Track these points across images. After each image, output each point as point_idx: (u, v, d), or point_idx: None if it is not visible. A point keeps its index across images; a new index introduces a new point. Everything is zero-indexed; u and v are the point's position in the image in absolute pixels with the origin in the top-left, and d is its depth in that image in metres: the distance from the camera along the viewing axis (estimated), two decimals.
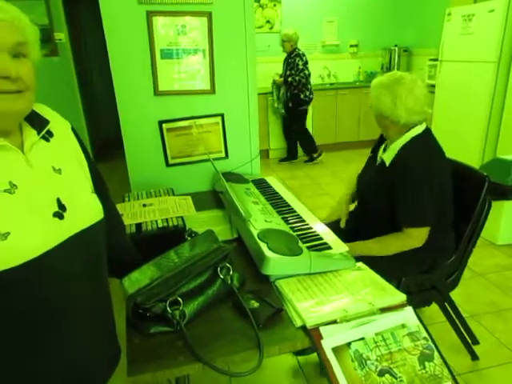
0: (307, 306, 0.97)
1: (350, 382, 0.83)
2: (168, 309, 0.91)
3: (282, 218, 1.41)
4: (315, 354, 0.94)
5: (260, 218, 1.33)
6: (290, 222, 1.41)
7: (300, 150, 5.12)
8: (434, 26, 4.75)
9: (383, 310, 0.96)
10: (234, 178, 1.77)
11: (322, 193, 3.93)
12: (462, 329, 1.82)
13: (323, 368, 0.86)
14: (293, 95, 4.60)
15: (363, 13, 5.49)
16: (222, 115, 1.86)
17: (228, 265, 1.04)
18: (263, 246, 1.12)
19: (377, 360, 0.86)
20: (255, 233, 1.21)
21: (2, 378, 0.72)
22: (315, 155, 4.98)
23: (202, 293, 0.99)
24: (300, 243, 1.20)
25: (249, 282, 1.10)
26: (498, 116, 3.50)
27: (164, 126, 1.80)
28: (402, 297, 1.00)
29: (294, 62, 4.50)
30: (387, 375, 0.84)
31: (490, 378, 1.73)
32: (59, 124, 0.86)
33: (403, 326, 0.93)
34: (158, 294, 0.91)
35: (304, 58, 4.54)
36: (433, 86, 4.22)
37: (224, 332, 0.94)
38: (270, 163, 5.15)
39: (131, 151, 1.81)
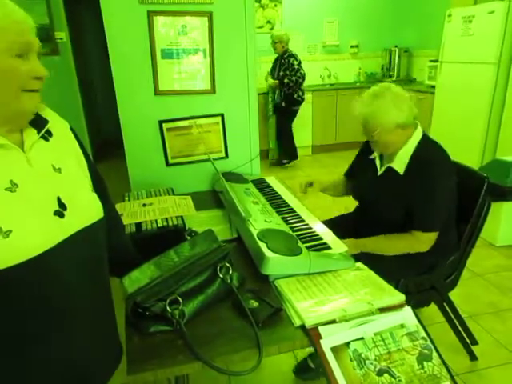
0: (306, 305, 0.98)
1: (349, 382, 0.83)
2: (168, 308, 0.91)
3: (282, 218, 1.42)
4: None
5: (260, 218, 1.33)
6: (290, 221, 1.41)
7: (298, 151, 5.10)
8: (434, 27, 4.75)
9: (382, 310, 0.97)
10: (233, 177, 1.77)
11: (322, 193, 3.93)
12: (460, 329, 1.82)
13: (322, 367, 0.86)
14: (287, 95, 4.60)
15: (364, 13, 5.49)
16: (222, 115, 1.87)
17: (228, 264, 1.05)
18: (263, 246, 1.12)
19: (375, 360, 0.86)
20: (255, 233, 1.21)
21: (2, 377, 0.72)
22: (286, 161, 4.94)
23: (201, 292, 0.99)
24: (299, 243, 1.20)
25: (248, 282, 1.11)
26: (497, 117, 3.50)
27: (164, 125, 1.80)
28: (400, 297, 1.00)
29: (289, 62, 4.49)
30: (386, 375, 0.85)
31: (488, 379, 1.73)
32: (58, 124, 0.87)
33: (402, 325, 0.93)
34: (158, 293, 0.91)
35: (298, 58, 4.54)
36: (433, 87, 4.23)
37: (223, 331, 0.94)
38: (270, 163, 5.15)
39: (131, 151, 1.81)
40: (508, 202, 2.62)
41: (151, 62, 1.70)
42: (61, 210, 0.75)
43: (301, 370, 1.76)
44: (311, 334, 0.90)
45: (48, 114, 0.85)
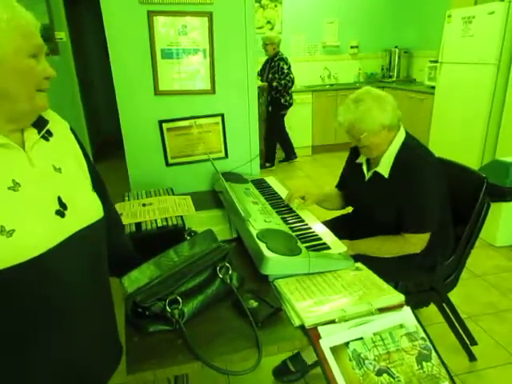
0: (306, 305, 0.98)
1: (348, 382, 0.83)
2: (167, 308, 0.91)
3: (282, 218, 1.42)
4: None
5: (259, 218, 1.34)
6: (290, 222, 1.42)
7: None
8: (434, 27, 4.75)
9: (381, 310, 0.97)
10: (233, 177, 1.77)
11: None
12: (459, 329, 1.82)
13: (321, 367, 0.86)
14: (274, 99, 4.56)
15: (364, 14, 5.49)
16: (222, 115, 1.87)
17: (227, 264, 1.05)
18: (262, 246, 1.12)
19: (375, 360, 0.86)
20: (254, 233, 1.21)
21: (2, 377, 0.72)
22: (269, 164, 4.93)
23: (201, 292, 0.99)
24: (299, 243, 1.20)
25: (248, 282, 1.11)
26: (497, 118, 3.50)
27: (164, 125, 1.80)
28: (400, 297, 1.00)
29: (278, 65, 4.46)
30: (385, 375, 0.85)
31: (487, 379, 1.73)
32: (58, 124, 0.87)
33: (401, 326, 0.93)
34: (158, 293, 0.91)
35: (288, 62, 4.50)
36: (433, 87, 4.23)
37: (223, 331, 0.94)
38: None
39: (131, 151, 1.81)
40: (507, 203, 2.62)
41: (151, 62, 1.70)
42: (62, 210, 0.75)
43: (280, 372, 1.75)
44: (310, 334, 0.90)
45: (48, 114, 0.85)
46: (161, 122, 1.80)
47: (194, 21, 1.70)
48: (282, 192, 1.73)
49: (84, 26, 5.49)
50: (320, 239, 1.28)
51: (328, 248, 1.23)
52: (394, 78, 5.48)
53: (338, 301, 0.99)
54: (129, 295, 0.91)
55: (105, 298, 0.90)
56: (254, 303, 0.99)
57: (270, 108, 4.63)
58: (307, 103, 5.13)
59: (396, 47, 5.48)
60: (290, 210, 1.53)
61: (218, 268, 1.03)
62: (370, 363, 0.86)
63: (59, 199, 0.76)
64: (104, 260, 0.88)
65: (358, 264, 1.18)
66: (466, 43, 3.67)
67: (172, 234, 1.27)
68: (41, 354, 0.74)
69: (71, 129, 0.91)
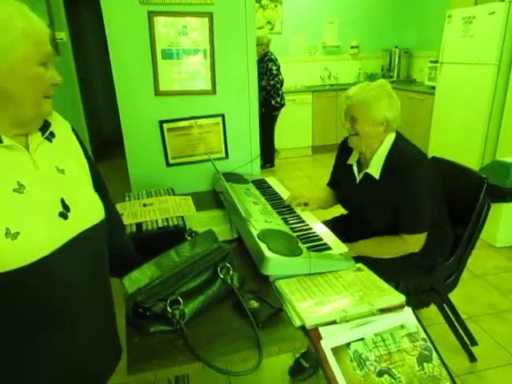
0: (307, 306, 0.98)
1: (349, 383, 0.83)
2: (168, 308, 0.91)
3: (282, 219, 1.42)
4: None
5: (260, 219, 1.34)
6: (290, 222, 1.42)
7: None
8: (434, 27, 4.75)
9: (382, 311, 0.97)
10: (234, 178, 1.77)
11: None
12: (460, 330, 1.82)
13: (322, 368, 0.86)
14: (264, 100, 4.54)
15: (364, 14, 5.49)
16: (223, 115, 1.87)
17: (228, 265, 1.05)
18: (263, 247, 1.12)
19: (376, 360, 0.86)
20: (255, 233, 1.21)
21: (2, 377, 0.72)
22: (268, 164, 4.91)
23: (201, 292, 0.99)
24: (300, 244, 1.20)
25: (248, 282, 1.11)
26: (497, 118, 3.50)
27: (165, 125, 1.80)
28: (401, 298, 1.00)
29: (267, 66, 4.44)
30: (386, 376, 0.85)
31: (487, 380, 1.73)
32: (60, 125, 0.87)
33: (402, 326, 0.93)
34: (158, 293, 0.91)
35: (277, 63, 4.48)
36: (433, 87, 4.23)
37: (224, 331, 0.94)
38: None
39: (132, 151, 1.81)
40: (508, 203, 2.62)
41: (152, 63, 1.70)
42: (65, 212, 0.75)
43: (295, 371, 1.76)
44: (311, 335, 0.90)
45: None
46: (161, 123, 1.79)
47: (194, 21, 1.70)
48: (283, 192, 1.73)
49: (84, 26, 5.49)
50: (321, 240, 1.28)
51: (329, 248, 1.23)
52: (395, 78, 5.48)
53: (338, 301, 0.99)
54: (130, 295, 0.91)
55: (105, 299, 0.90)
56: (254, 304, 0.99)
57: (263, 109, 4.63)
58: (307, 103, 5.13)
59: (396, 47, 5.48)
60: (291, 211, 1.53)
61: (218, 268, 1.03)
62: (371, 364, 0.86)
63: (62, 201, 0.76)
64: (105, 261, 0.88)
65: (359, 264, 1.18)
66: (466, 43, 3.67)
67: (173, 235, 1.27)
68: (40, 354, 0.74)
69: (73, 129, 0.91)
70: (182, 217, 1.37)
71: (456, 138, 3.83)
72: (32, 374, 0.75)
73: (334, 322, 0.93)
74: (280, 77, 4.49)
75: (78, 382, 0.82)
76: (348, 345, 0.88)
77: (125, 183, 1.87)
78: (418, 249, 1.47)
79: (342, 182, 1.75)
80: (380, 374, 0.85)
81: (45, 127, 0.80)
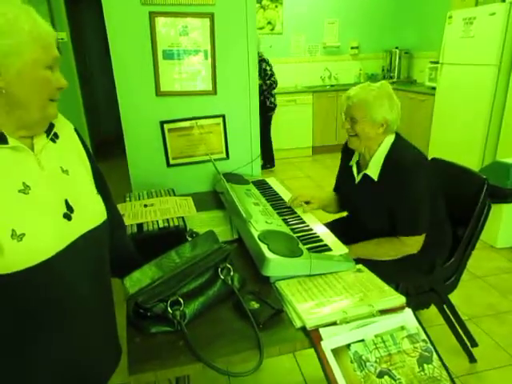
0: (307, 307, 0.98)
1: None
2: (169, 309, 0.91)
3: (283, 220, 1.42)
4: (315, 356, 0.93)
5: (260, 219, 1.34)
6: (291, 223, 1.42)
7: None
8: (435, 28, 4.75)
9: (383, 312, 0.97)
10: (234, 178, 1.77)
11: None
12: (460, 331, 1.82)
13: (322, 369, 0.86)
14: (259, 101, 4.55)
15: (364, 14, 5.49)
16: (224, 116, 1.87)
17: (229, 265, 1.05)
18: (264, 248, 1.12)
19: (376, 362, 0.87)
20: (256, 234, 1.21)
21: (2, 377, 0.72)
22: (269, 165, 4.90)
23: (202, 293, 0.99)
24: (300, 245, 1.20)
25: (249, 283, 1.11)
26: (498, 119, 3.50)
27: (165, 126, 1.80)
28: (401, 299, 1.01)
29: (261, 67, 4.43)
30: (386, 377, 0.85)
31: (487, 381, 1.73)
32: (63, 125, 0.87)
33: (402, 328, 0.93)
34: (159, 294, 0.91)
35: (270, 64, 4.48)
36: (433, 88, 4.23)
37: (224, 332, 0.94)
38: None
39: (132, 151, 1.82)
40: (508, 204, 2.62)
41: (153, 63, 1.70)
42: (69, 213, 0.76)
43: None
44: (312, 336, 0.90)
45: None
46: (162, 123, 1.80)
47: (195, 22, 1.70)
48: (283, 193, 1.73)
49: (85, 25, 5.49)
50: (321, 241, 1.29)
51: (329, 250, 1.23)
52: (395, 79, 5.48)
53: (339, 302, 0.99)
54: (131, 296, 0.91)
55: (106, 299, 0.90)
56: (255, 304, 0.99)
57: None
58: (308, 104, 5.13)
59: (397, 48, 5.48)
60: (291, 212, 1.54)
61: (219, 269, 1.03)
62: (372, 365, 0.86)
63: (66, 202, 0.76)
64: (107, 261, 0.89)
65: (359, 266, 1.18)
66: (466, 44, 3.68)
67: (173, 235, 1.27)
68: (41, 355, 0.74)
69: (75, 130, 0.91)
70: (182, 217, 1.37)
71: (456, 139, 3.84)
72: (33, 375, 0.75)
73: (334, 323, 0.93)
74: (275, 76, 4.50)
75: (79, 382, 0.82)
76: (348, 346, 0.88)
77: (125, 183, 1.87)
78: (417, 250, 1.47)
79: (342, 184, 1.76)
80: (380, 375, 0.85)
81: (49, 128, 0.81)
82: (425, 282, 1.68)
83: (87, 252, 0.79)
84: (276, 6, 5.23)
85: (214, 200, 1.77)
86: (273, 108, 4.68)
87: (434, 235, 1.49)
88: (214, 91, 1.82)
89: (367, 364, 0.86)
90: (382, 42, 5.67)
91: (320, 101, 5.16)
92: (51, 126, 0.81)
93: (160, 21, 1.65)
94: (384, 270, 1.17)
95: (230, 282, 1.03)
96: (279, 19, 5.28)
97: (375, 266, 1.18)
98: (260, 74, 4.44)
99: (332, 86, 5.55)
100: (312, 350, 0.90)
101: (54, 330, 0.75)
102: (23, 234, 0.67)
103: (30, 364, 0.74)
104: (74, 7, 4.64)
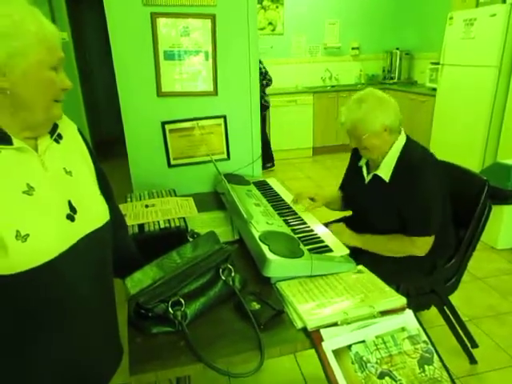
0: (308, 308, 0.98)
1: None
2: (170, 309, 0.92)
3: (284, 220, 1.42)
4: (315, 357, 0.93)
5: (261, 220, 1.34)
6: (292, 224, 1.42)
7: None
8: (435, 29, 4.76)
9: (383, 313, 0.97)
10: (235, 179, 1.77)
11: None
12: (460, 332, 1.82)
13: (323, 370, 0.86)
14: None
15: (365, 15, 5.50)
16: (225, 117, 1.87)
17: (230, 266, 1.05)
18: (265, 248, 1.13)
19: (377, 363, 0.87)
20: (257, 235, 1.21)
21: (2, 377, 0.73)
22: (269, 164, 4.91)
23: (203, 294, 1.00)
24: (301, 245, 1.20)
25: (250, 284, 1.11)
26: (498, 120, 3.50)
27: (167, 126, 1.81)
28: (402, 300, 1.01)
29: None
30: (387, 378, 0.85)
31: (488, 382, 1.73)
32: (67, 126, 0.87)
33: (403, 329, 0.93)
34: (160, 294, 0.91)
35: (262, 63, 4.46)
36: (434, 89, 4.23)
37: (225, 333, 0.94)
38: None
39: (133, 152, 1.82)
40: (509, 206, 2.62)
41: (154, 64, 1.71)
42: (72, 214, 0.76)
43: None
44: (313, 337, 0.91)
45: None
46: (163, 124, 1.80)
47: (197, 23, 1.70)
48: (284, 194, 1.73)
49: (86, 26, 5.50)
50: (322, 241, 1.29)
51: (330, 250, 1.23)
52: (396, 80, 5.49)
53: (340, 303, 1.00)
54: (132, 296, 0.92)
55: (108, 299, 0.90)
56: (256, 305, 0.99)
57: None
58: (308, 104, 5.13)
59: (397, 49, 5.48)
60: (292, 212, 1.54)
61: (220, 270, 1.03)
62: (372, 366, 0.86)
63: (69, 203, 0.76)
64: (109, 262, 0.89)
65: (360, 267, 1.18)
66: (467, 45, 3.68)
67: (174, 236, 1.27)
68: (41, 355, 0.74)
69: (79, 130, 0.91)
70: (183, 218, 1.37)
71: (457, 140, 3.84)
72: (33, 374, 0.75)
73: (335, 324, 0.93)
74: (269, 75, 4.49)
75: (79, 382, 0.83)
76: (349, 347, 0.88)
77: (126, 183, 1.88)
78: (424, 253, 1.47)
79: (349, 184, 1.76)
80: (381, 376, 0.85)
81: (53, 129, 0.81)
82: (425, 284, 1.68)
83: (90, 253, 0.79)
84: (277, 7, 5.23)
85: (215, 201, 1.77)
86: (267, 107, 4.69)
87: (439, 237, 1.50)
88: (215, 92, 1.82)
89: (368, 365, 0.86)
90: (382, 42, 5.67)
91: (321, 101, 5.16)
92: (55, 126, 0.82)
93: (161, 21, 1.66)
94: (385, 271, 1.18)
95: (231, 282, 1.03)
96: (280, 20, 5.28)
97: (376, 267, 1.19)
98: None
99: (333, 86, 5.55)
100: (312, 350, 0.90)
101: (54, 330, 0.75)
102: (27, 235, 0.67)
103: (29, 364, 0.74)
104: (75, 7, 4.65)
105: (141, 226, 1.31)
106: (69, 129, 0.88)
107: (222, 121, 1.87)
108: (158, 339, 0.92)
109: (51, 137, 0.80)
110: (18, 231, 0.66)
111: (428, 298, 1.72)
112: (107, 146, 5.30)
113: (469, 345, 1.84)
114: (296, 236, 1.29)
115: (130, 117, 1.76)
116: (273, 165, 4.92)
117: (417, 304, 1.72)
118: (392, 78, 5.55)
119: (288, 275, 1.12)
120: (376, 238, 1.50)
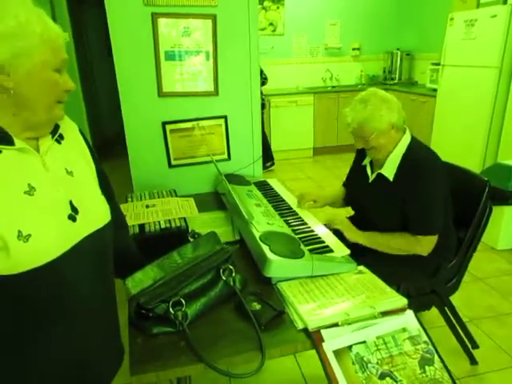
0: (309, 308, 0.98)
1: None
2: (170, 310, 0.92)
3: (284, 221, 1.42)
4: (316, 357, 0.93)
5: (262, 221, 1.34)
6: (292, 224, 1.42)
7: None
8: (436, 30, 4.76)
9: (384, 314, 0.97)
10: (236, 179, 1.78)
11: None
12: (461, 333, 1.82)
13: (324, 370, 0.86)
14: None
15: (366, 16, 5.50)
16: (225, 117, 1.87)
17: (230, 266, 1.05)
18: (265, 249, 1.13)
19: (378, 363, 0.87)
20: (257, 235, 1.21)
21: (2, 377, 0.73)
22: (269, 164, 4.90)
23: (204, 294, 1.00)
24: (302, 246, 1.20)
25: (251, 284, 1.11)
26: (499, 121, 3.50)
27: (167, 127, 1.81)
28: (403, 301, 1.01)
29: None
30: (388, 378, 0.85)
31: (488, 383, 1.73)
32: (68, 126, 0.88)
33: (404, 329, 0.93)
34: (161, 294, 0.91)
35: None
36: (435, 90, 4.23)
37: (226, 333, 0.94)
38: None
39: (134, 152, 1.82)
40: (509, 206, 2.62)
41: (155, 64, 1.71)
42: (73, 214, 0.76)
43: None
44: (314, 337, 0.91)
45: None
46: (164, 124, 1.80)
47: (198, 23, 1.70)
48: (285, 194, 1.74)
49: (87, 26, 5.50)
50: (323, 242, 1.29)
51: (331, 251, 1.23)
52: (396, 81, 5.48)
53: (340, 304, 1.00)
54: (132, 297, 0.92)
55: (108, 299, 0.90)
56: (256, 306, 0.99)
57: None
58: (309, 105, 5.14)
59: (398, 49, 5.48)
60: (293, 213, 1.54)
61: (221, 270, 1.03)
62: (373, 367, 0.86)
63: (71, 203, 0.77)
64: (110, 262, 0.89)
65: (361, 267, 1.18)
66: (468, 46, 3.68)
67: (175, 236, 1.27)
68: (40, 354, 0.74)
69: (80, 130, 0.92)
70: (184, 218, 1.37)
71: (457, 141, 3.84)
72: (33, 374, 0.75)
73: (336, 325, 0.93)
74: (265, 73, 4.48)
75: (79, 382, 0.82)
76: (350, 347, 0.88)
77: (126, 183, 1.88)
78: (427, 252, 1.47)
79: (352, 182, 1.77)
80: (382, 376, 0.85)
81: (54, 129, 0.81)
82: (426, 284, 1.68)
83: (91, 253, 0.79)
84: (278, 7, 5.23)
85: (215, 201, 1.77)
86: (264, 106, 4.69)
87: (442, 238, 1.50)
88: (216, 92, 1.82)
89: (369, 365, 0.86)
90: (383, 43, 5.68)
91: (321, 102, 5.16)
92: (56, 127, 0.82)
93: (162, 22, 1.66)
94: (385, 271, 1.18)
95: (231, 282, 1.03)
96: (281, 20, 5.29)
97: (377, 267, 1.19)
98: None
99: (333, 87, 5.55)
100: (313, 351, 0.90)
101: (55, 330, 0.75)
102: (29, 235, 0.67)
103: (29, 364, 0.74)
104: (76, 7, 4.65)
105: (141, 226, 1.31)
106: (70, 129, 0.88)
107: (222, 121, 1.87)
108: (158, 339, 0.92)
109: (52, 137, 0.80)
110: (19, 231, 0.66)
111: (429, 299, 1.72)
112: (108, 146, 5.31)
113: (469, 345, 1.84)
114: (297, 236, 1.29)
115: (130, 117, 1.76)
116: (273, 163, 4.91)
117: (417, 305, 1.71)
118: (393, 79, 5.55)
119: (289, 275, 1.12)
120: (380, 235, 1.51)
